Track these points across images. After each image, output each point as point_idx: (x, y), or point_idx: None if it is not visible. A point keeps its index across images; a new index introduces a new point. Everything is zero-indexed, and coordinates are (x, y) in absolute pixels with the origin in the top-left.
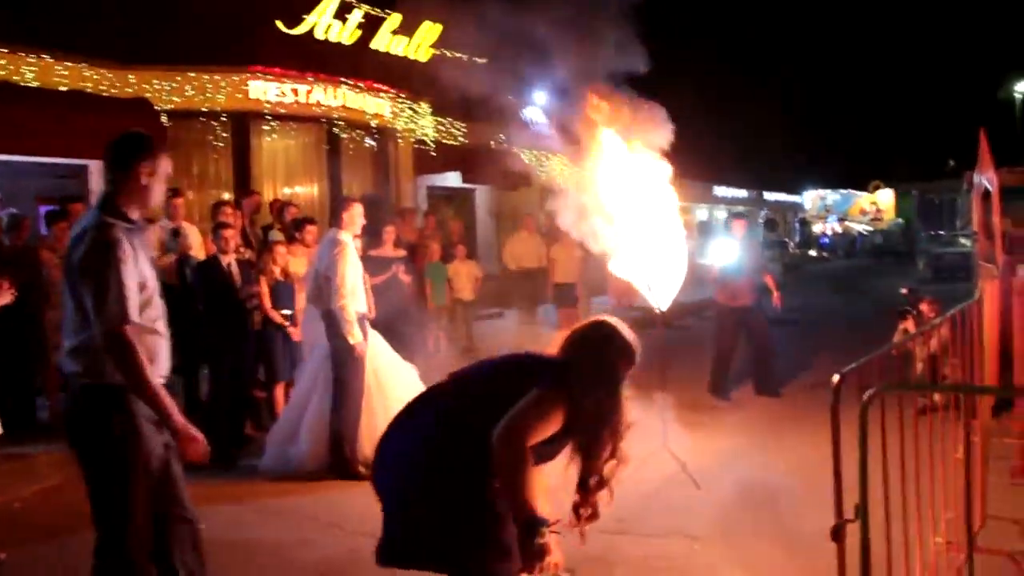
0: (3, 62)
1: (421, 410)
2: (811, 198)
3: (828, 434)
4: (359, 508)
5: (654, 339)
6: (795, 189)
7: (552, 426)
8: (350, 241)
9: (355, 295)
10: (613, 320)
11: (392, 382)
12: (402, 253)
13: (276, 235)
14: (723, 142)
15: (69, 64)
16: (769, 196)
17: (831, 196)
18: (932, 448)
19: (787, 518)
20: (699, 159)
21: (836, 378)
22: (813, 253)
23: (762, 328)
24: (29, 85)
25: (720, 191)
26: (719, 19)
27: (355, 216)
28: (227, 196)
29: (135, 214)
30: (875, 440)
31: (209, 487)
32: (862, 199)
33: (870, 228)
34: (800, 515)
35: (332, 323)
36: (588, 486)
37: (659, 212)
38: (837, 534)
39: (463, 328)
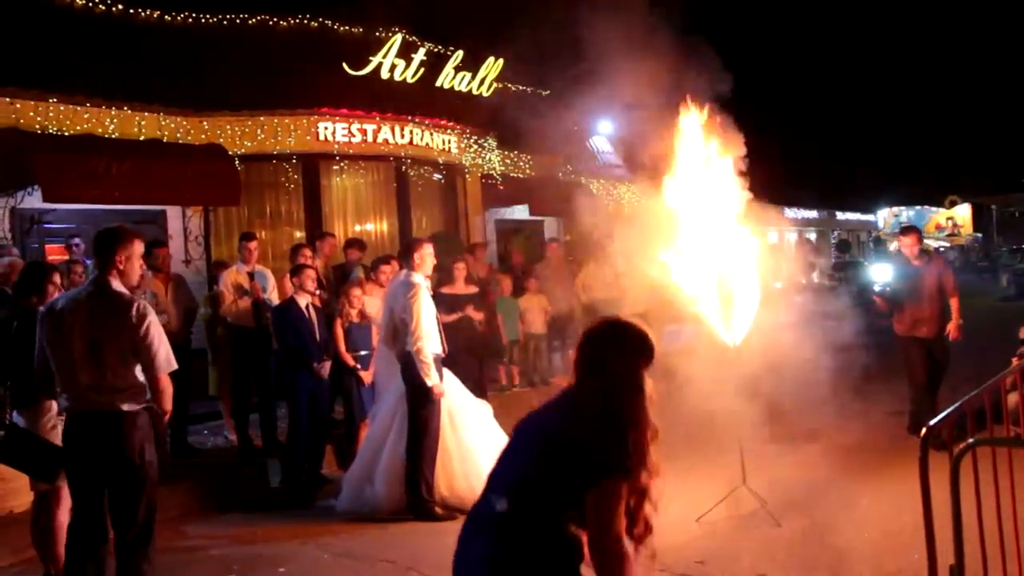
0: (87, 116)
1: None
2: (884, 216)
3: (910, 466)
4: (436, 551)
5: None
6: (868, 208)
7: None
8: (423, 282)
9: (431, 337)
10: (616, 321)
11: (466, 422)
12: (473, 289)
13: (360, 272)
14: (793, 163)
15: (147, 114)
16: (841, 216)
17: (906, 213)
18: None
19: (870, 560)
20: (769, 181)
21: (924, 431)
22: None
23: (944, 361)
24: (111, 137)
25: (791, 212)
26: (786, 40)
27: (426, 256)
28: (298, 235)
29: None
30: (967, 479)
31: (286, 528)
32: (938, 215)
33: (947, 244)
34: (883, 556)
35: (409, 365)
36: (631, 505)
37: (731, 243)
38: None
39: (537, 362)
